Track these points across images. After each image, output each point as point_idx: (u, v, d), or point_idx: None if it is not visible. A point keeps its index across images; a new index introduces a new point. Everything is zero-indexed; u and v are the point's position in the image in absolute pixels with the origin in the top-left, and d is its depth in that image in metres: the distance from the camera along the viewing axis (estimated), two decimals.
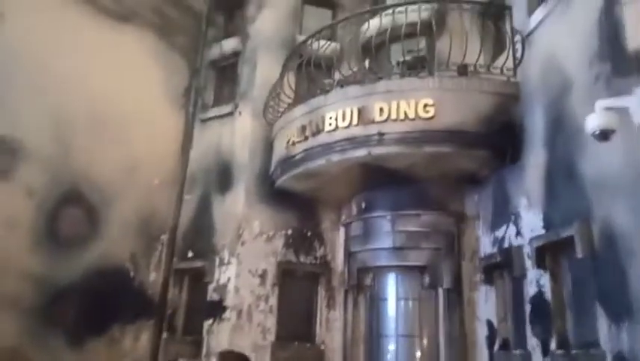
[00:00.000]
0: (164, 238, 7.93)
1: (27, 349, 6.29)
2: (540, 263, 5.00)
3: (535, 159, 5.33)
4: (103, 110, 7.46)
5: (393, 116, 5.76)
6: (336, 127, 6.06)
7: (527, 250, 5.29)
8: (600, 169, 4.29)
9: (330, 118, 6.14)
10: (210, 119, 8.51)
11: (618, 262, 3.98)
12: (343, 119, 6.02)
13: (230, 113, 8.25)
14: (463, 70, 6.17)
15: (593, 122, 2.50)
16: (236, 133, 8.01)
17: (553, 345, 4.75)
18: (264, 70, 8.14)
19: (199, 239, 7.74)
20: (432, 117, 5.68)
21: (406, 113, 5.73)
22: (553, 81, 5.13)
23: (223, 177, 7.86)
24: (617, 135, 4.14)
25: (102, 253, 7.15)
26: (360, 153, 5.92)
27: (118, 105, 7.62)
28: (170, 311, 7.66)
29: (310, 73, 7.44)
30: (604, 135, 2.52)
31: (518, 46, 5.88)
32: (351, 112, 5.99)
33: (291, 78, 7.64)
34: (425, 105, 5.70)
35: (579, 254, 4.34)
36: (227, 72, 8.82)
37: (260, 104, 7.85)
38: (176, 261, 7.86)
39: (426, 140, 5.67)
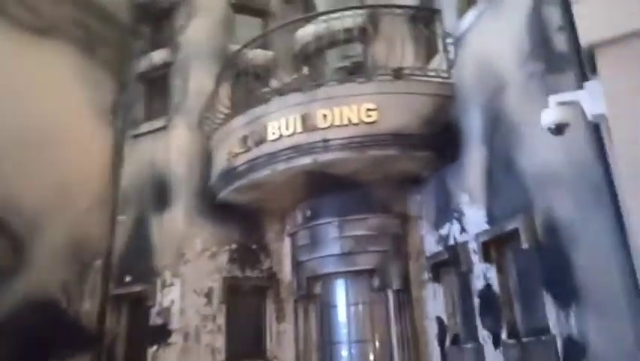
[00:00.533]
0: (98, 263, 7.42)
1: None
2: (486, 257, 5.16)
3: (474, 157, 5.52)
4: (26, 133, 6.87)
5: (337, 122, 5.76)
6: (280, 136, 5.97)
7: (473, 245, 5.44)
8: (539, 164, 4.50)
9: (273, 127, 6.04)
10: (142, 134, 8.12)
11: (562, 250, 4.18)
12: (287, 127, 5.94)
13: (164, 128, 7.92)
14: (398, 73, 6.30)
15: (548, 117, 2.59)
16: (172, 147, 7.69)
17: (504, 335, 4.90)
18: (197, 80, 7.90)
19: (137, 262, 7.32)
20: (375, 121, 5.74)
21: (349, 119, 5.75)
22: (488, 81, 5.34)
23: (159, 194, 7.50)
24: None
25: (31, 285, 6.54)
26: (306, 160, 5.86)
27: (42, 125, 7.07)
28: (108, 341, 7.16)
29: (246, 82, 7.34)
30: (559, 129, 2.61)
31: (451, 48, 6.09)
32: (295, 120, 5.92)
33: (226, 88, 7.48)
34: (367, 110, 5.75)
35: (524, 245, 4.51)
36: (157, 85, 8.46)
37: (195, 116, 7.62)
38: (112, 287, 7.38)
39: (370, 144, 5.71)
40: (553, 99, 2.61)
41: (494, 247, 5.12)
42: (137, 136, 8.19)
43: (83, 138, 7.74)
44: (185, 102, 7.85)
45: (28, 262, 6.65)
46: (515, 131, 4.83)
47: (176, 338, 6.59)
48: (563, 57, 4.40)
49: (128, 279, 7.32)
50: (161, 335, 6.68)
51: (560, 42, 4.43)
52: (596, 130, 3.65)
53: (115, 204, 7.79)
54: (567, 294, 4.09)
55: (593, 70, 2.43)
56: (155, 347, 6.68)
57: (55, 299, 6.83)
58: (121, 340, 7.22)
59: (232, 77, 7.57)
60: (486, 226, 5.24)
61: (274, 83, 7.28)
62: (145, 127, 8.16)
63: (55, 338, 6.66)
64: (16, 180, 6.67)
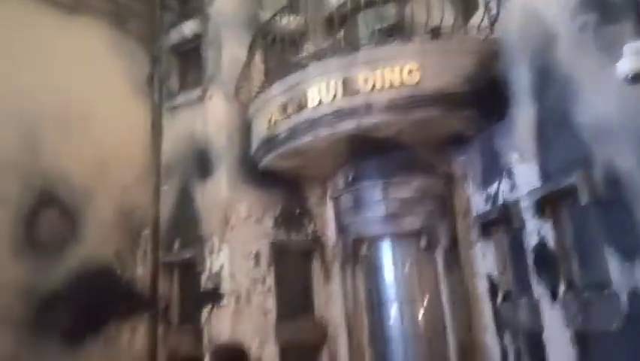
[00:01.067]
0: (147, 232, 7.64)
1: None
2: (540, 214, 5.13)
3: (523, 114, 5.42)
4: (67, 109, 7.01)
5: (379, 84, 5.69)
6: (321, 101, 5.94)
7: (524, 202, 5.41)
8: (598, 116, 4.39)
9: (313, 93, 6.00)
10: (179, 106, 8.17)
11: (625, 204, 4.13)
12: (327, 92, 5.90)
13: (200, 99, 7.94)
14: (437, 32, 6.16)
15: (623, 66, 2.51)
16: (210, 118, 7.73)
17: (561, 291, 4.92)
18: (230, 50, 7.85)
19: (184, 230, 7.51)
20: (417, 82, 5.65)
21: (391, 81, 5.67)
22: (535, 34, 5.18)
23: (201, 164, 7.60)
24: (609, 81, 4.26)
25: (86, 255, 6.83)
26: (349, 125, 5.83)
27: (82, 101, 7.18)
28: (163, 305, 7.45)
29: (280, 49, 7.27)
30: (635, 79, 2.52)
31: (493, 3, 5.89)
32: (335, 84, 5.87)
33: (259, 57, 7.43)
34: (410, 71, 5.65)
35: (582, 201, 4.47)
36: (190, 56, 8.45)
37: (231, 87, 7.59)
38: (162, 254, 7.61)
39: (414, 105, 5.65)
40: (628, 48, 2.52)
41: (549, 203, 5.09)
42: (173, 108, 8.25)
43: (122, 112, 7.83)
44: (220, 73, 7.83)
45: (82, 233, 6.91)
46: (569, 84, 4.71)
47: (228, 301, 6.80)
48: (617, 7, 4.24)
49: (176, 246, 7.54)
50: (213, 298, 6.91)
51: None
52: None
53: (158, 175, 7.93)
54: (631, 247, 4.07)
55: None
56: (208, 310, 6.92)
57: (110, 267, 7.11)
58: (174, 303, 7.50)
59: (265, 44, 7.49)
60: (539, 183, 5.19)
61: (310, 49, 7.19)
62: (180, 99, 8.20)
63: (112, 302, 6.98)
64: (63, 156, 6.85)
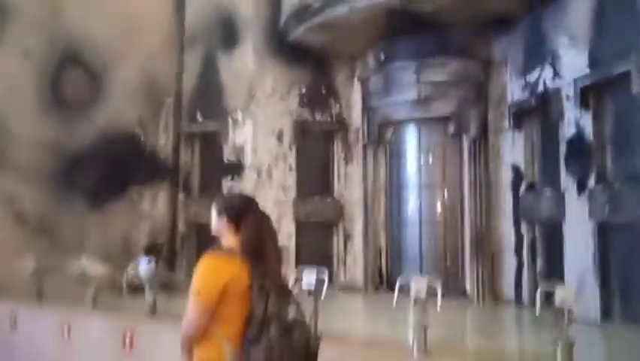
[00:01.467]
0: (170, 101, 7.51)
1: (52, 215, 6.19)
2: (583, 104, 4.90)
3: None
4: None
5: None
6: None
7: (567, 91, 5.15)
8: None
9: None
10: None
11: None
12: None
13: None
14: None
15: None
16: None
17: (591, 181, 4.84)
18: None
19: (207, 101, 7.35)
20: None
21: None
22: None
23: (227, 32, 7.24)
24: None
25: (110, 118, 6.78)
26: None
27: None
28: (184, 173, 7.53)
29: None
30: None
31: None
32: None
33: None
34: None
35: (635, 89, 4.22)
36: None
37: None
38: (185, 124, 7.54)
39: None
40: None
41: (594, 92, 4.84)
42: None
43: None
44: None
45: (106, 95, 6.83)
46: None
47: (249, 174, 6.85)
48: None
49: (199, 117, 7.44)
50: (235, 170, 6.95)
51: None
52: None
53: (181, 43, 7.62)
54: None
55: None
56: (229, 182, 6.99)
57: (133, 132, 7.10)
58: (195, 173, 7.57)
59: None
60: (587, 71, 4.90)
61: None
62: None
63: (135, 167, 7.06)
64: (88, 18, 6.59)
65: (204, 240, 7.37)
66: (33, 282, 5.03)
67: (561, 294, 2.73)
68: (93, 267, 4.77)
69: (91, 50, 6.62)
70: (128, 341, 4.09)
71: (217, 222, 1.88)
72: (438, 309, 3.21)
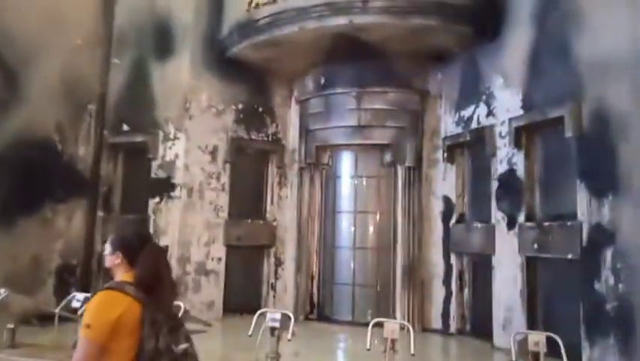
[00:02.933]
0: (92, 107, 6.95)
1: None
2: (516, 142, 5.15)
3: (518, 37, 5.26)
4: None
5: None
6: None
7: (501, 129, 5.40)
8: (599, 50, 4.32)
9: None
10: None
11: (608, 141, 4.18)
12: None
13: None
14: None
15: None
16: None
17: (521, 218, 5.07)
18: None
19: (136, 111, 6.88)
20: None
21: None
22: None
23: (161, 39, 6.85)
24: (622, 15, 4.15)
25: (26, 121, 6.09)
26: (340, 21, 5.42)
27: None
28: (104, 189, 6.97)
29: None
30: None
31: None
32: None
33: None
34: None
35: (568, 133, 4.49)
36: None
37: None
38: (108, 134, 7.00)
39: (412, 10, 5.32)
40: None
41: (527, 133, 5.10)
42: None
43: None
44: None
45: (23, 96, 6.14)
46: (576, 13, 4.56)
47: (180, 193, 6.47)
48: None
49: (125, 128, 6.94)
50: (164, 188, 6.54)
51: None
52: None
53: (109, 44, 7.11)
54: (605, 184, 4.18)
55: None
56: (157, 199, 6.56)
57: (50, 139, 6.42)
58: (117, 188, 7.04)
59: None
60: (520, 112, 5.17)
61: None
62: None
63: (50, 179, 6.39)
64: (7, 11, 5.91)
65: None
66: None
67: (534, 339, 2.78)
68: (15, 300, 4.18)
69: (9, 42, 5.94)
70: None
71: (111, 257, 1.90)
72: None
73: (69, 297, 4.31)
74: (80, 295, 4.17)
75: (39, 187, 6.23)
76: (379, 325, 3.69)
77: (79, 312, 3.96)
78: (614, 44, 4.22)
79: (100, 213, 6.91)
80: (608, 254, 4.13)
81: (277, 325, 3.53)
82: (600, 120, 4.28)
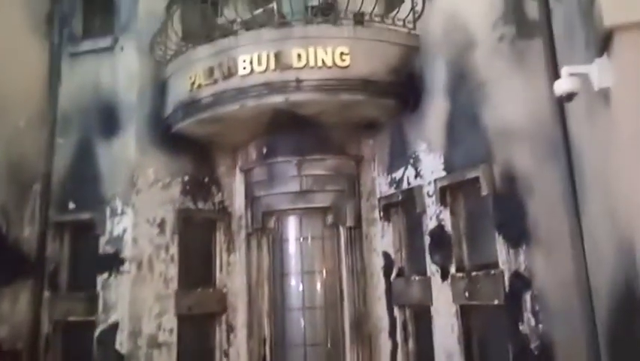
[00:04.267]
0: (37, 187, 7.03)
1: None
2: (441, 201, 5.72)
3: (435, 108, 5.94)
4: None
5: (312, 63, 5.84)
6: (252, 71, 5.92)
7: (428, 189, 5.97)
8: (502, 120, 5.02)
9: (244, 61, 5.96)
10: (83, 53, 7.54)
11: (517, 197, 4.81)
12: (259, 63, 5.90)
13: (109, 48, 7.41)
14: (360, 19, 6.45)
15: (560, 86, 2.97)
16: (120, 71, 7.25)
17: (452, 269, 5.56)
18: (147, 1, 7.42)
19: (81, 188, 7.02)
20: (347, 66, 5.90)
21: (323, 61, 5.85)
22: (456, 37, 5.70)
23: (106, 119, 7.13)
24: (519, 88, 4.89)
25: None
26: (277, 99, 5.92)
27: None
28: (51, 268, 6.94)
29: (199, 10, 7.07)
30: (569, 97, 3.01)
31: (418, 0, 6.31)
32: (268, 56, 5.89)
33: (178, 14, 7.15)
34: (341, 53, 5.88)
35: (483, 192, 5.10)
36: None
37: (146, 39, 7.19)
38: (53, 213, 7.05)
39: (342, 88, 5.90)
40: (565, 70, 3.00)
41: (450, 191, 5.69)
42: (76, 54, 7.59)
43: (17, 50, 7.05)
44: (135, 23, 7.37)
45: None
46: (482, 88, 5.29)
47: (129, 267, 6.56)
48: (533, 24, 4.87)
49: (71, 206, 7.04)
50: (113, 263, 6.61)
51: (532, 9, 4.89)
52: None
53: (53, 125, 7.29)
54: (518, 235, 4.76)
55: (602, 48, 2.83)
56: (105, 275, 6.61)
57: None
58: (64, 267, 7.02)
59: (183, 2, 7.21)
60: (443, 173, 5.77)
61: (233, 14, 7.05)
62: (87, 45, 7.57)
63: None
64: None
65: (72, 340, 6.79)
66: None
67: None
68: None
69: None
70: None
71: None
72: None
73: None
74: None
75: None
76: None
77: None
78: (514, 113, 4.94)
79: (46, 293, 6.85)
80: (528, 298, 4.66)
81: None
82: (509, 180, 4.92)
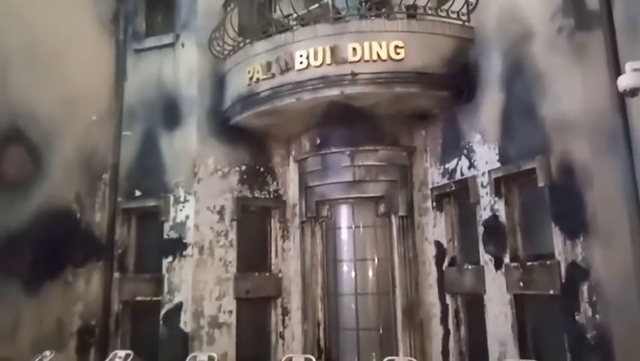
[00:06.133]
0: (107, 177, 7.53)
1: None
2: (496, 191, 5.78)
3: (490, 99, 5.99)
4: (35, 42, 6.77)
5: (366, 56, 5.99)
6: (308, 65, 6.14)
7: (482, 180, 6.05)
8: (560, 111, 5.03)
9: (301, 56, 6.18)
10: (147, 49, 7.96)
11: (575, 189, 4.83)
12: (315, 57, 6.11)
13: (171, 45, 7.79)
14: (413, 12, 6.54)
15: (623, 81, 3.02)
16: (181, 66, 7.63)
17: (507, 259, 5.64)
18: None
19: (147, 177, 7.47)
20: (402, 59, 6.03)
21: (378, 54, 5.99)
22: (512, 28, 5.71)
23: (169, 112, 7.54)
24: (577, 80, 4.88)
25: (48, 195, 6.68)
26: (333, 92, 6.11)
27: (49, 35, 6.93)
28: (119, 251, 7.45)
29: (256, 6, 7.31)
30: (633, 93, 3.05)
31: None
32: (324, 51, 6.09)
33: (235, 11, 7.42)
34: (396, 47, 6.01)
35: (540, 183, 5.14)
36: None
37: (205, 35, 7.52)
38: (122, 200, 7.54)
39: (396, 81, 6.03)
40: (629, 66, 3.05)
41: (505, 182, 5.74)
42: (140, 50, 8.02)
43: (87, 50, 7.56)
44: (194, 20, 7.71)
45: (45, 172, 6.75)
46: (539, 80, 5.30)
47: (191, 251, 6.96)
48: (593, 16, 4.84)
49: (138, 193, 7.50)
50: (176, 247, 7.04)
51: (592, 0, 4.86)
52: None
53: (120, 119, 7.77)
54: (576, 226, 4.80)
55: None
56: (170, 259, 7.04)
57: (70, 209, 7.01)
58: (131, 250, 7.52)
59: None
60: (497, 164, 5.83)
61: (289, 9, 7.26)
62: (150, 42, 7.99)
63: (70, 245, 6.91)
64: (29, 92, 6.60)
65: (140, 318, 7.27)
66: None
67: None
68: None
69: (33, 124, 6.61)
70: None
71: None
72: None
73: (111, 355, 4.71)
74: (122, 353, 4.59)
75: (60, 254, 6.73)
76: None
77: None
78: (573, 105, 4.94)
79: (116, 275, 7.36)
80: (585, 289, 4.70)
81: None
82: (567, 171, 4.94)
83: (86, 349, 6.72)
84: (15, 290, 6.13)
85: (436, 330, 6.68)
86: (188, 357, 5.51)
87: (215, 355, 5.47)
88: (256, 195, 7.67)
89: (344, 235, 7.37)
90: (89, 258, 7.13)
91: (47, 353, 4.65)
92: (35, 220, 6.46)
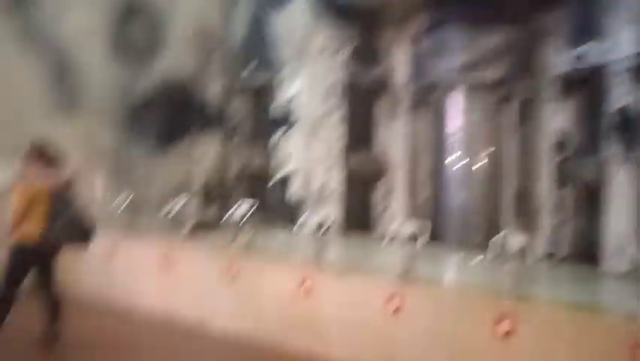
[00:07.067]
0: (220, 53, 7.75)
1: (125, 154, 6.58)
2: (638, 78, 5.28)
3: None
4: None
5: None
6: None
7: (616, 66, 5.51)
8: None
9: None
10: None
11: None
12: None
13: None
14: None
15: None
16: None
17: (638, 152, 5.28)
18: None
19: (258, 54, 7.60)
20: None
21: None
22: None
23: None
24: None
25: (170, 64, 7.10)
26: None
27: None
28: (234, 123, 7.86)
29: None
30: None
31: None
32: None
33: None
34: None
35: None
36: None
37: None
38: (234, 77, 7.80)
39: None
40: None
41: None
42: None
43: None
44: None
45: (166, 43, 7.03)
46: None
47: (300, 126, 7.17)
48: None
49: (249, 69, 7.68)
50: (286, 122, 7.27)
51: None
52: None
53: None
54: None
55: None
56: (280, 132, 7.33)
57: (189, 81, 7.37)
58: (245, 124, 7.90)
59: None
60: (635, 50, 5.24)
61: None
62: None
63: (191, 114, 7.39)
64: None
65: (252, 186, 7.79)
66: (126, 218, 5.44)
67: None
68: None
69: None
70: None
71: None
72: None
73: (236, 205, 5.16)
74: (247, 202, 5.02)
75: (183, 121, 7.24)
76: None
77: None
78: None
79: (231, 143, 7.84)
80: None
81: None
82: None
83: (210, 200, 7.46)
84: (146, 149, 6.80)
85: (549, 219, 6.55)
86: (300, 219, 5.80)
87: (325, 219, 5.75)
88: (365, 75, 7.56)
89: (455, 120, 7.15)
90: (207, 127, 7.63)
91: (183, 195, 5.26)
92: (159, 88, 6.94)
